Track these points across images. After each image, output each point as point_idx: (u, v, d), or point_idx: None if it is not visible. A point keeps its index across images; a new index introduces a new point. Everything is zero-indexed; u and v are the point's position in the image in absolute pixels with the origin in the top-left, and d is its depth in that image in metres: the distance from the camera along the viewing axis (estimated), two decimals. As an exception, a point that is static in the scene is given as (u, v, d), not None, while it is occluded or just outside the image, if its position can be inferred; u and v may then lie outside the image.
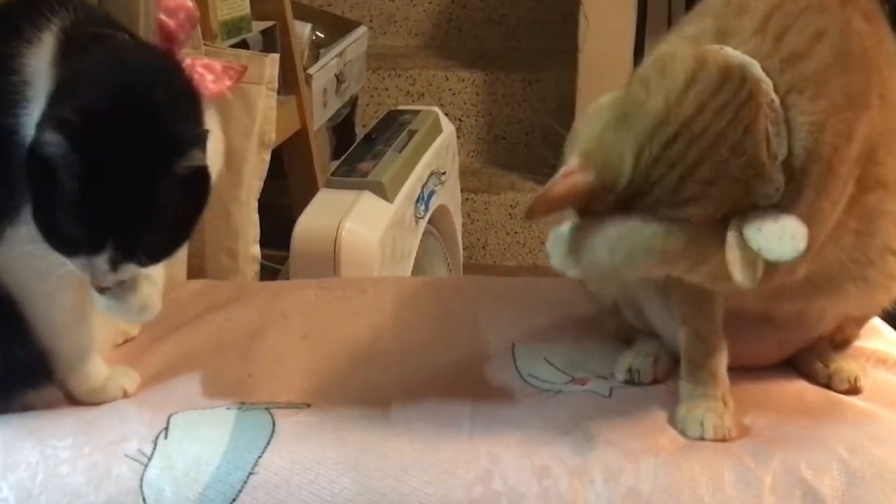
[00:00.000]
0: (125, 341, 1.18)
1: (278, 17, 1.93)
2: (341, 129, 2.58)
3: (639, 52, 2.55)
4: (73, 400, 1.05)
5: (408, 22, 3.19)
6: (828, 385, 1.08)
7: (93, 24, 0.97)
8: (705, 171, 0.87)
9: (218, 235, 1.67)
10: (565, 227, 0.94)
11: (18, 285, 0.99)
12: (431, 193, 1.99)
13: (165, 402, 1.04)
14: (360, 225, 1.68)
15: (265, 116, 1.67)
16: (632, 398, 1.06)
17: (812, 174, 0.88)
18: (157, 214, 0.91)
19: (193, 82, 1.00)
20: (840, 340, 1.12)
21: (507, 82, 2.96)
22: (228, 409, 1.03)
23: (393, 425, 1.01)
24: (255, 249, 1.73)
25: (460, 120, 2.94)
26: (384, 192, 1.76)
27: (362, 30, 2.48)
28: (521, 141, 3.00)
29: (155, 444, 0.97)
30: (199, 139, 0.91)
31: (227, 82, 1.04)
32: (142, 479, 0.94)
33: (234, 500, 0.93)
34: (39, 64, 0.94)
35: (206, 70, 1.03)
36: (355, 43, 2.38)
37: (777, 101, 0.88)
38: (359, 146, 1.95)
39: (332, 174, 1.84)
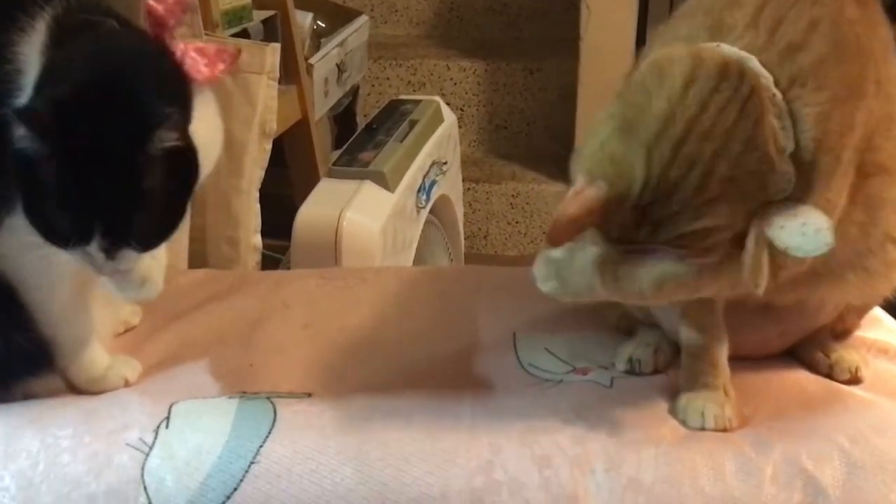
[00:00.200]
0: (126, 330, 1.18)
1: (279, 7, 1.93)
2: (342, 118, 2.58)
3: (640, 40, 2.55)
4: (74, 389, 1.05)
5: (409, 11, 3.19)
6: (829, 375, 1.08)
7: (85, 11, 0.96)
8: (724, 168, 0.86)
9: (219, 225, 1.67)
10: (555, 251, 0.95)
11: (18, 274, 0.99)
12: (433, 183, 1.99)
13: (167, 392, 1.04)
14: (362, 215, 1.68)
15: (266, 106, 1.67)
16: (633, 388, 1.06)
17: (821, 165, 0.88)
18: (139, 198, 0.91)
19: (182, 68, 0.99)
20: (841, 330, 1.12)
21: (509, 72, 2.96)
22: (230, 398, 1.03)
23: (394, 415, 1.01)
24: (257, 239, 1.73)
25: (462, 109, 2.94)
26: (385, 182, 1.76)
27: (363, 19, 2.47)
28: (522, 131, 2.99)
29: (156, 433, 0.97)
30: (169, 118, 0.90)
31: (221, 66, 1.03)
32: (143, 469, 0.94)
33: (235, 489, 0.93)
34: (31, 52, 0.94)
35: (199, 54, 1.02)
36: (356, 32, 2.37)
37: (779, 95, 0.88)
38: (360, 136, 1.95)
39: (334, 164, 1.84)
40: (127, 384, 1.07)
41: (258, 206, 1.72)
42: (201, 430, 0.97)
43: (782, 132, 0.87)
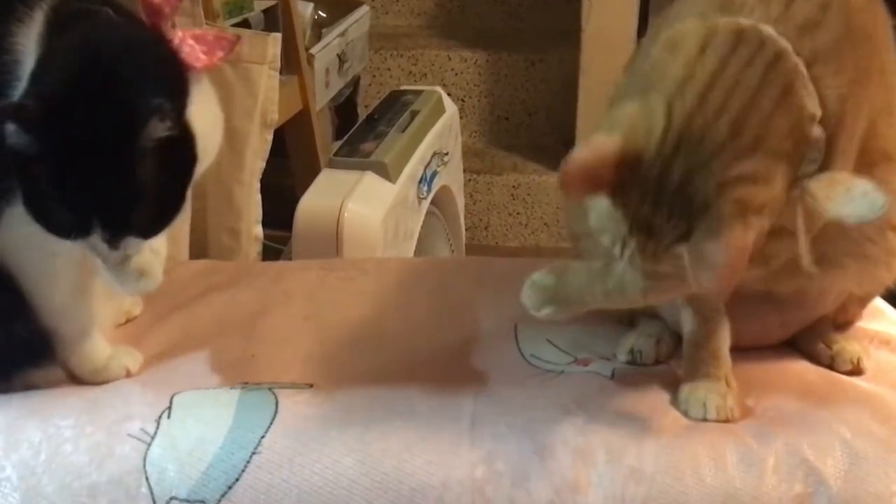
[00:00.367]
0: (127, 321, 1.18)
1: (280, -4, 1.93)
2: (343, 109, 2.57)
3: (642, 31, 2.54)
4: (75, 379, 1.05)
5: (410, 1, 3.18)
6: (830, 366, 1.08)
7: (81, 0, 0.96)
8: (755, 122, 0.85)
9: (220, 216, 1.66)
10: (538, 275, 0.96)
11: (19, 266, 0.98)
12: (434, 174, 1.99)
13: (168, 382, 1.04)
14: (363, 206, 1.68)
15: (267, 97, 1.67)
16: (634, 379, 1.06)
17: (838, 146, 0.88)
18: (135, 189, 0.90)
19: (178, 57, 0.99)
20: (842, 321, 1.12)
21: (510, 62, 2.95)
22: (231, 389, 1.03)
23: (396, 405, 1.01)
24: (258, 230, 1.73)
25: (463, 100, 2.94)
26: (387, 173, 1.75)
27: (364, 9, 2.47)
28: (523, 121, 2.99)
29: (158, 423, 0.97)
30: (161, 109, 0.89)
31: (220, 53, 1.03)
32: (145, 459, 0.95)
33: (237, 479, 0.93)
34: (28, 42, 0.93)
35: (198, 42, 1.02)
36: (357, 22, 2.37)
37: (801, 64, 0.87)
38: (361, 126, 1.95)
39: (335, 155, 1.84)
40: (128, 375, 1.07)
41: (259, 196, 1.71)
42: (203, 421, 0.97)
43: (809, 100, 0.87)
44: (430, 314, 1.21)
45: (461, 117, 2.49)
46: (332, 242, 1.64)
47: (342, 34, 2.26)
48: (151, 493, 0.93)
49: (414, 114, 1.97)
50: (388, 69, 2.98)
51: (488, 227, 2.88)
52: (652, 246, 0.87)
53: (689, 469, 0.93)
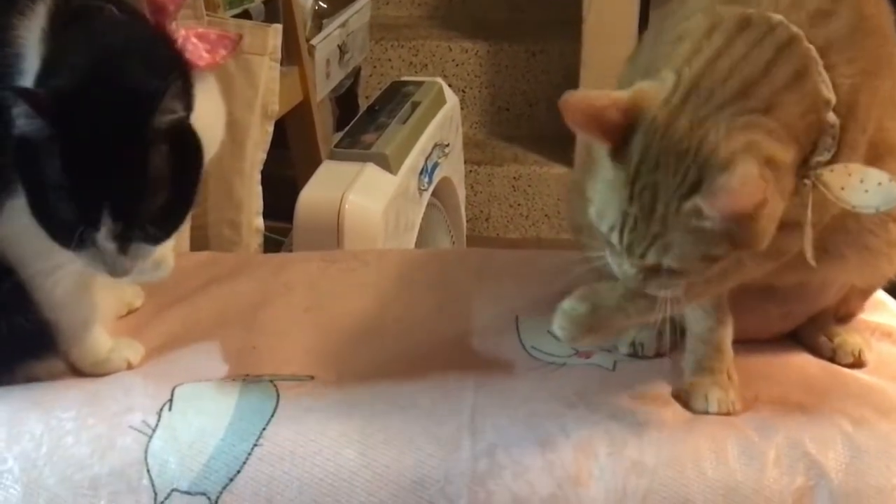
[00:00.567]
0: (129, 312, 1.18)
1: (280, -12, 1.92)
2: (344, 100, 2.57)
3: (643, 22, 2.54)
4: (77, 371, 1.05)
5: (411, -8, 3.17)
6: (832, 359, 1.08)
7: None
8: (766, 92, 0.84)
9: (221, 207, 1.66)
10: (569, 304, 0.95)
11: (20, 258, 0.98)
12: (435, 165, 1.99)
13: (169, 374, 1.04)
14: (364, 197, 1.68)
15: (268, 88, 1.67)
16: (636, 371, 1.06)
17: (849, 135, 0.88)
18: (147, 176, 0.90)
19: (182, 55, 0.99)
20: (844, 314, 1.12)
21: (511, 53, 2.95)
22: (233, 381, 1.03)
23: (397, 397, 1.01)
24: (259, 221, 1.73)
25: (464, 91, 2.93)
26: (388, 164, 1.75)
27: (365, 0, 2.46)
28: (524, 112, 2.98)
29: (159, 415, 0.97)
30: (170, 89, 0.89)
31: (223, 52, 1.03)
32: (146, 451, 0.95)
33: (238, 471, 0.93)
34: (31, 36, 0.93)
35: (201, 40, 1.01)
36: (358, 13, 2.37)
37: (814, 50, 0.86)
38: (362, 118, 1.95)
39: (336, 146, 1.84)
40: (129, 367, 1.07)
41: (260, 188, 1.71)
42: (204, 413, 0.97)
43: (824, 86, 0.86)
44: (431, 306, 1.21)
45: (462, 108, 2.49)
46: (333, 234, 1.64)
47: (343, 25, 2.26)
48: (153, 486, 0.93)
49: (415, 105, 1.97)
50: (389, 60, 2.98)
51: (489, 219, 2.88)
52: (661, 209, 0.84)
53: (691, 462, 0.93)
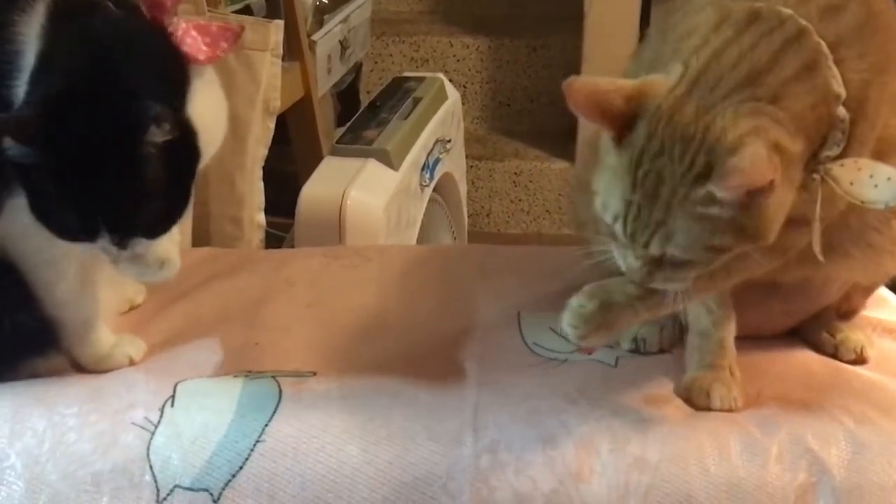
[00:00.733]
0: (131, 309, 1.18)
1: (282, -17, 1.92)
2: (346, 95, 2.57)
3: (645, 17, 2.53)
4: (79, 368, 1.05)
5: (412, -13, 3.17)
6: (834, 355, 1.08)
7: None
8: (775, 82, 0.84)
9: (223, 203, 1.66)
10: (577, 301, 0.94)
11: (23, 255, 0.98)
12: (436, 161, 1.99)
13: (172, 371, 1.04)
14: (366, 193, 1.67)
15: (269, 83, 1.67)
16: (638, 367, 1.06)
17: (858, 131, 0.88)
18: (138, 193, 0.91)
19: (180, 51, 0.98)
20: (846, 310, 1.12)
21: (513, 48, 2.94)
22: (235, 377, 1.03)
23: (399, 394, 1.01)
24: (260, 217, 1.72)
25: (465, 86, 2.93)
26: (389, 160, 1.75)
27: (366, -5, 2.46)
28: (526, 108, 2.98)
29: (161, 412, 0.97)
30: (160, 115, 0.89)
31: (224, 44, 1.02)
32: (148, 447, 0.95)
33: (240, 467, 0.93)
34: (30, 33, 0.93)
35: (201, 33, 1.01)
36: (359, 9, 2.36)
37: (824, 45, 0.86)
38: (363, 113, 1.94)
39: (337, 141, 1.83)
40: (132, 363, 1.07)
41: (262, 183, 1.71)
42: (207, 409, 0.97)
43: (833, 80, 0.86)
44: (433, 302, 1.21)
45: (463, 104, 2.48)
46: (334, 230, 1.64)
47: (344, 20, 2.25)
48: (155, 482, 0.93)
49: (416, 101, 1.97)
50: (391, 55, 2.97)
51: (490, 214, 2.88)
52: (665, 195, 0.84)
53: (693, 458, 0.93)
